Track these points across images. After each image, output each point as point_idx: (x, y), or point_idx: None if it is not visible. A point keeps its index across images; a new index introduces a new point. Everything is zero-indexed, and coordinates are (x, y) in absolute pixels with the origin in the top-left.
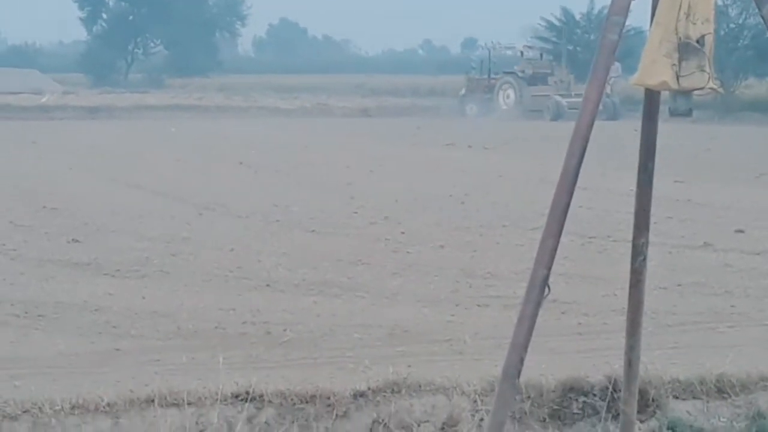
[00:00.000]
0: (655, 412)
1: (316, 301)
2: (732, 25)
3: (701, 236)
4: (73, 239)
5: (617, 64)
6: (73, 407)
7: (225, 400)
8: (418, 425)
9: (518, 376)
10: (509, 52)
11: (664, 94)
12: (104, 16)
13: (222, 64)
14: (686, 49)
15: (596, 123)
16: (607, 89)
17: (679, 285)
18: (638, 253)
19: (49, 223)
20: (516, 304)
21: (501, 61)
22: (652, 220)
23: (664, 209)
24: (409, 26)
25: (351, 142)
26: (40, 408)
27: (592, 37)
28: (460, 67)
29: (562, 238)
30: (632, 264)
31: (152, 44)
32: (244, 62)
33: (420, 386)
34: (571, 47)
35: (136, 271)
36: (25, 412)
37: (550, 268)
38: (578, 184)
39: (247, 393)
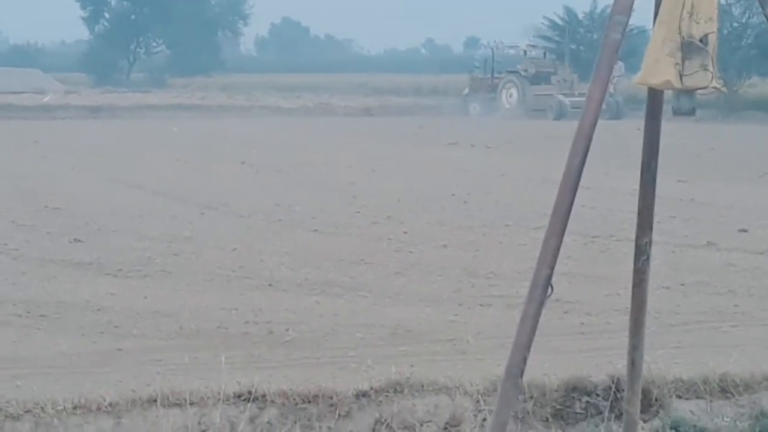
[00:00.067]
0: (658, 412)
1: (318, 300)
2: (735, 24)
3: (704, 235)
4: (74, 239)
5: (620, 63)
6: (75, 407)
7: (227, 400)
8: (421, 425)
9: (521, 376)
10: (512, 51)
11: (668, 93)
12: (106, 15)
13: (224, 63)
14: (689, 48)
15: (599, 122)
16: (610, 88)
17: (683, 284)
18: (641, 253)
19: (51, 222)
20: (519, 303)
21: (504, 61)
22: (656, 219)
23: (668, 208)
24: (411, 25)
25: (353, 141)
26: (42, 408)
27: (595, 36)
28: (462, 66)
29: (565, 238)
30: (635, 263)
31: (154, 44)
32: (246, 61)
33: (423, 386)
34: (574, 46)
35: (138, 270)
36: (27, 412)
37: (553, 268)
38: (581, 183)
39: (250, 393)
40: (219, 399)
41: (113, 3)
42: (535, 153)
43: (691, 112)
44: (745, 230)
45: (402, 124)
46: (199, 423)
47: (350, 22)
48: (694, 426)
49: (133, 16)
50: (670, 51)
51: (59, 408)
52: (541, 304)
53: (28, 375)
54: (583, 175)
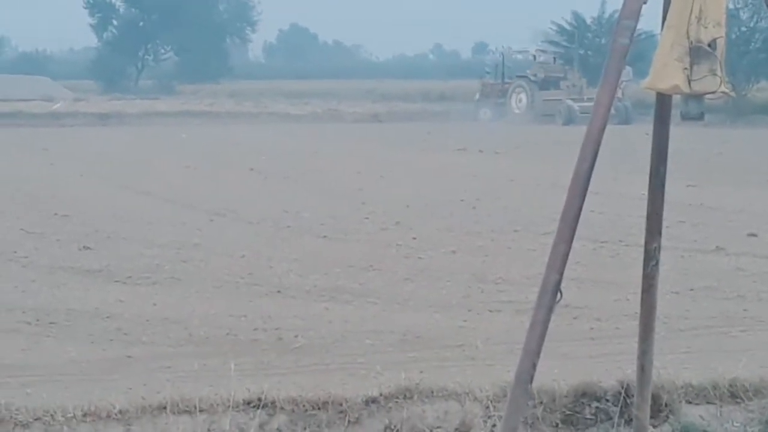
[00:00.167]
0: (668, 417)
1: (327, 307)
2: (743, 29)
3: (713, 240)
4: (84, 246)
5: (629, 68)
6: (84, 414)
7: (237, 406)
8: (431, 431)
9: (531, 382)
10: (520, 56)
11: (676, 98)
12: (114, 22)
13: (232, 70)
14: (698, 52)
15: (608, 127)
16: (619, 93)
17: (692, 289)
18: (650, 258)
19: (60, 230)
20: (528, 309)
21: (515, 66)
22: (665, 224)
23: (677, 213)
24: (419, 31)
25: (361, 147)
26: (51, 415)
27: (603, 41)
28: (470, 71)
29: (574, 243)
30: (644, 268)
31: (162, 50)
32: (254, 68)
33: (432, 392)
34: (582, 51)
35: (147, 277)
36: (36, 419)
37: (562, 273)
38: (590, 188)
39: (259, 399)
40: (228, 406)
41: (121, 10)
42: (543, 158)
43: (700, 117)
44: (754, 235)
45: (410, 130)
46: (209, 430)
47: (358, 29)
48: (704, 431)
49: (141, 23)
50: (679, 56)
51: (69, 415)
52: (551, 309)
53: (38, 382)
54: (592, 180)
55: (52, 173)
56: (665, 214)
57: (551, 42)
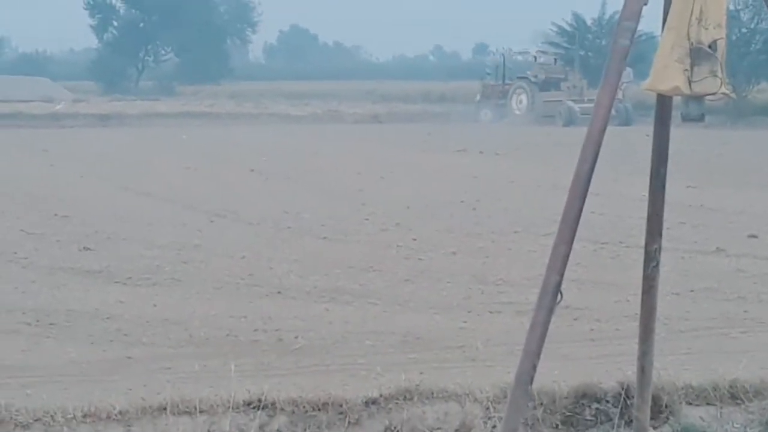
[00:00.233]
0: (668, 419)
1: (327, 308)
2: (744, 30)
3: (714, 241)
4: (84, 247)
5: (629, 70)
6: (84, 415)
7: (237, 407)
8: None
9: (531, 383)
10: (521, 58)
11: (676, 100)
12: (115, 23)
13: (233, 71)
14: (698, 54)
15: (608, 128)
16: (619, 94)
17: (692, 290)
18: (651, 259)
19: (60, 230)
20: (528, 310)
21: (515, 67)
22: (665, 225)
23: (677, 214)
24: (419, 32)
25: (362, 148)
26: (51, 416)
27: (603, 42)
28: (471, 73)
29: (575, 244)
30: (645, 270)
31: (163, 51)
32: (254, 69)
33: (432, 393)
34: (582, 52)
35: (148, 278)
36: (36, 420)
37: (562, 275)
38: (590, 189)
39: (259, 400)
40: (229, 407)
41: (122, 11)
42: (544, 159)
43: (700, 118)
44: (754, 236)
45: (410, 131)
46: (209, 431)
47: (359, 30)
48: None
49: (141, 24)
50: (679, 57)
51: (69, 416)
52: (551, 311)
53: (38, 383)
54: (593, 181)
55: (53, 174)
56: (666, 216)
57: (552, 43)
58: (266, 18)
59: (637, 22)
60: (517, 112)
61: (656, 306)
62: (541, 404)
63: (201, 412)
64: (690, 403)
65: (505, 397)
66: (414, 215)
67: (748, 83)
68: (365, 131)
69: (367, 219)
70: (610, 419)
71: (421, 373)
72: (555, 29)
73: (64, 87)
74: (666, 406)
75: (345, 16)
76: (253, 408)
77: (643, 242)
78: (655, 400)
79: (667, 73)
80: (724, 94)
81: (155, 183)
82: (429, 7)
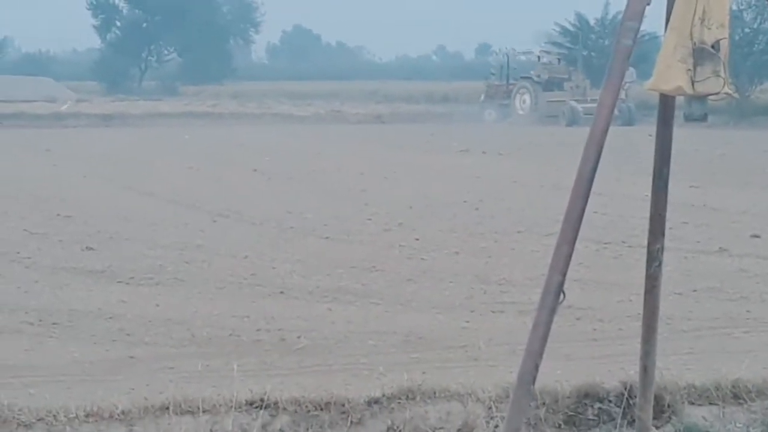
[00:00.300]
0: (670, 418)
1: (330, 308)
2: (747, 30)
3: (717, 241)
4: (86, 247)
5: (632, 70)
6: (87, 415)
7: (239, 407)
8: None
9: (533, 383)
10: (524, 58)
11: (679, 99)
12: (118, 23)
13: (236, 71)
14: (701, 54)
15: (611, 128)
16: (622, 94)
17: (695, 290)
18: (653, 259)
19: (63, 230)
20: (531, 310)
21: (520, 67)
22: (668, 225)
23: (680, 214)
24: (422, 32)
25: (365, 148)
26: (54, 416)
27: (606, 42)
28: (474, 73)
29: (577, 244)
30: (647, 269)
31: (166, 51)
32: (257, 69)
33: (435, 393)
34: (585, 52)
35: (150, 278)
36: (39, 420)
37: (564, 274)
38: (593, 189)
39: (262, 400)
40: (231, 406)
41: (125, 11)
42: (547, 159)
43: (703, 118)
44: (757, 236)
45: (413, 131)
46: (211, 430)
47: (361, 30)
48: None
49: (144, 24)
50: (682, 57)
51: (71, 416)
52: (553, 310)
53: (41, 383)
54: (595, 181)
55: (55, 174)
56: (668, 215)
57: (555, 43)
58: (269, 18)
59: (640, 22)
60: (521, 112)
61: (659, 306)
62: (544, 404)
63: (204, 411)
64: (692, 403)
65: (508, 396)
66: (417, 215)
67: (751, 83)
68: (368, 131)
69: (369, 219)
70: (613, 419)
71: (424, 372)
72: (558, 29)
73: (67, 87)
74: (668, 406)
75: (348, 17)
76: (256, 408)
77: (645, 242)
78: (658, 400)
79: (670, 73)
80: (727, 94)
81: (158, 183)
82: (432, 8)
